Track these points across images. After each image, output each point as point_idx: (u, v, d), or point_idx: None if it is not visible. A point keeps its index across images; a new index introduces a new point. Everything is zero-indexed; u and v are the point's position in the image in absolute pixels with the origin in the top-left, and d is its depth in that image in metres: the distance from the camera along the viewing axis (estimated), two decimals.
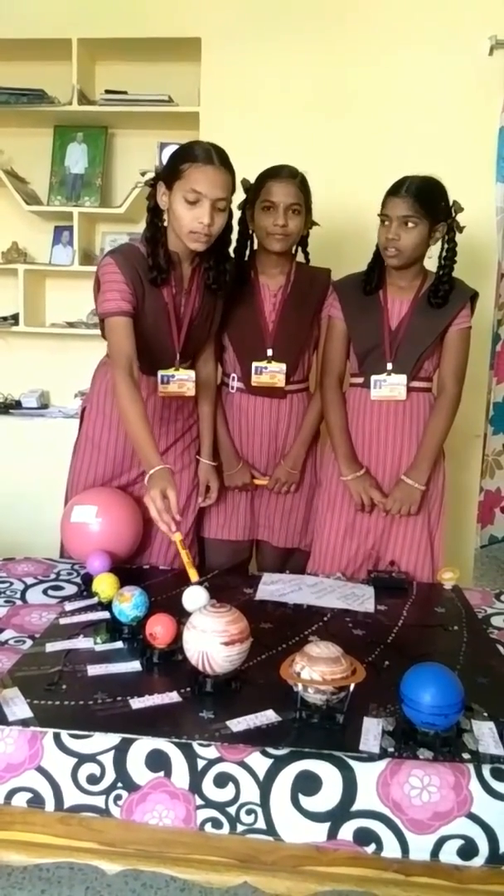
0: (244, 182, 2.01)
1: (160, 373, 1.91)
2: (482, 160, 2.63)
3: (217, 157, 1.68)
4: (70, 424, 2.93)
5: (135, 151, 3.05)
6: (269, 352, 2.03)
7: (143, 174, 2.85)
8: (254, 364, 2.04)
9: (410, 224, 1.84)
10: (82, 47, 2.83)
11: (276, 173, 1.94)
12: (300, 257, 2.13)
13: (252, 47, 2.72)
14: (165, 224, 1.80)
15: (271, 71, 2.73)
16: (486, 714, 1.25)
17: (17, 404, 3.10)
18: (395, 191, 1.86)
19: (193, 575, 1.56)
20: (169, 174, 1.73)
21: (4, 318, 3.06)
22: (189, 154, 1.69)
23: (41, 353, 3.19)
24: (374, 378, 1.96)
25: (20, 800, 1.17)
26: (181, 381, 1.93)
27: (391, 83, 2.67)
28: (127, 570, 1.82)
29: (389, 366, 1.95)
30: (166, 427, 2.00)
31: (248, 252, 2.08)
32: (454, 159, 2.50)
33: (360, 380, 2.01)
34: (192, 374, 1.95)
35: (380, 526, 2.03)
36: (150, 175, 2.80)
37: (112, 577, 1.63)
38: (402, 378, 1.95)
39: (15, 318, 3.03)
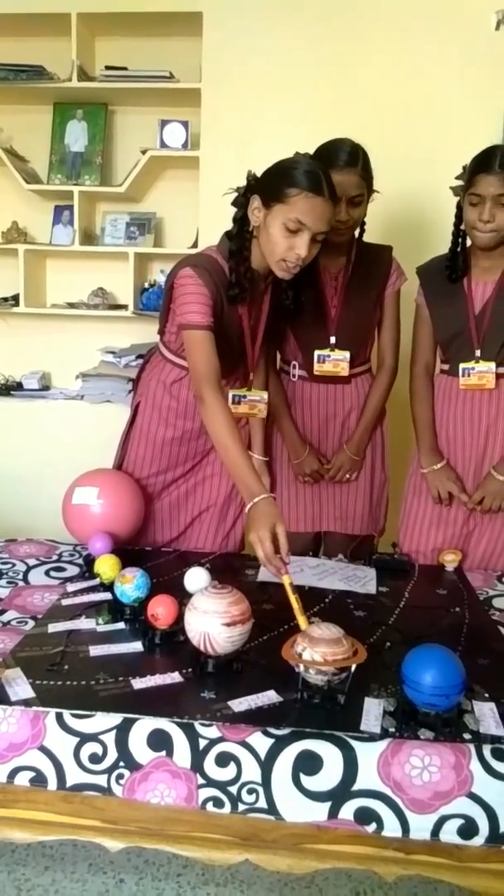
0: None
1: (231, 392, 1.84)
2: (489, 136, 2.58)
3: (328, 189, 1.56)
4: (71, 406, 2.93)
5: (135, 129, 3.00)
6: (332, 339, 1.93)
7: (143, 152, 2.81)
8: (316, 353, 1.94)
9: None
10: (82, 22, 2.78)
11: (333, 161, 1.73)
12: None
13: (255, 22, 2.67)
14: (250, 235, 1.66)
15: (274, 46, 2.68)
16: (486, 695, 1.25)
17: (19, 386, 3.08)
18: (486, 167, 1.67)
19: (304, 623, 1.33)
20: (270, 193, 1.58)
21: (5, 299, 3.04)
22: (298, 179, 1.55)
23: (42, 335, 3.16)
24: (462, 366, 1.87)
25: (23, 778, 1.18)
26: (252, 402, 1.86)
27: (396, 58, 2.63)
28: (129, 551, 1.82)
29: (478, 353, 1.85)
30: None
31: None
32: (460, 135, 2.47)
33: (447, 367, 1.93)
34: (264, 395, 1.87)
35: (467, 519, 1.95)
36: (152, 152, 2.78)
37: (114, 559, 1.63)
38: (491, 366, 1.84)
39: (15, 298, 3.01)
